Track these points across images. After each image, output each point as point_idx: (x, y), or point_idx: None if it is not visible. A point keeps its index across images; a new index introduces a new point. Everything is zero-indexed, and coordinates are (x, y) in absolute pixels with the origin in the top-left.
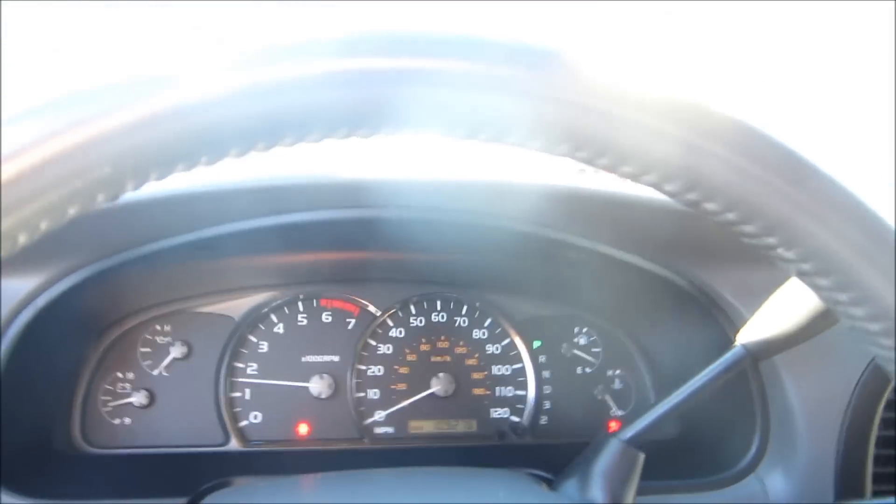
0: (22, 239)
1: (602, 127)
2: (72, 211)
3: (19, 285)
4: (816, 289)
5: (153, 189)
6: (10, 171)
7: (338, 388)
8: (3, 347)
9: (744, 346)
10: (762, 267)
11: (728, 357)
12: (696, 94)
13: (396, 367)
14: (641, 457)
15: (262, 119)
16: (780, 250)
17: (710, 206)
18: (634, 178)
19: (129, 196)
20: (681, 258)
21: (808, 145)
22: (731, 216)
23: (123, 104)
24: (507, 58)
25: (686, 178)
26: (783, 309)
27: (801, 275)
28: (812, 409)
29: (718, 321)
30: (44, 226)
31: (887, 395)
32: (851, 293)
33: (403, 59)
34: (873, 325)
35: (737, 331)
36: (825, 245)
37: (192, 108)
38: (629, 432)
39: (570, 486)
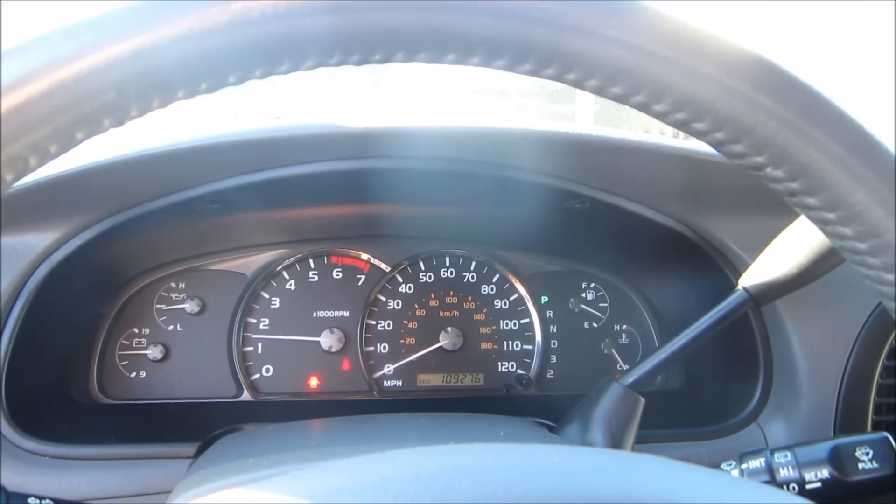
0: (33, 162)
1: (591, 46)
2: (79, 135)
3: (36, 240)
4: (804, 209)
5: (164, 142)
6: (19, 96)
7: (348, 342)
8: (21, 301)
9: (745, 289)
10: (765, 214)
11: (730, 301)
12: (678, 14)
13: (405, 321)
14: (641, 401)
15: (260, 46)
16: (768, 170)
17: (699, 125)
18: (623, 98)
19: (139, 150)
20: (684, 207)
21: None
22: (720, 136)
23: (126, 32)
24: None
25: (675, 97)
26: (784, 252)
27: (791, 195)
28: (815, 357)
29: (724, 271)
30: (53, 149)
31: (890, 342)
32: (840, 211)
33: None
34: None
35: (740, 277)
36: (810, 159)
37: (191, 35)
38: (630, 377)
39: (572, 430)
